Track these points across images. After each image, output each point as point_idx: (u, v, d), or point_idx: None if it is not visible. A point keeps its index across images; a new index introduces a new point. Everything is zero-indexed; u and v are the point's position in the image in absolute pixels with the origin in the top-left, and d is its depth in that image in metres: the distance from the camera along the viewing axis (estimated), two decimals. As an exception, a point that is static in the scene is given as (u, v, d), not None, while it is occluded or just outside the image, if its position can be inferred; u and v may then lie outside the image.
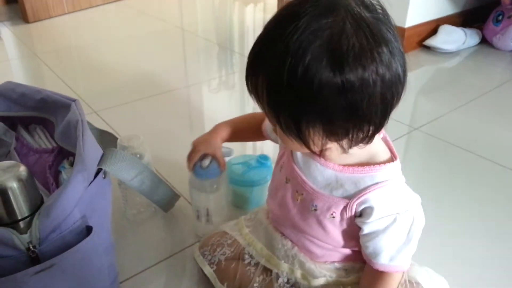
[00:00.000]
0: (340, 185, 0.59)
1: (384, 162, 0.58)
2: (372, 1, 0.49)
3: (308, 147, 0.53)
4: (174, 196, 0.92)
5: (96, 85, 1.64)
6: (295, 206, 0.65)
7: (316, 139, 0.52)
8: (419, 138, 1.27)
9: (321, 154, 0.59)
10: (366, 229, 0.58)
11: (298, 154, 0.64)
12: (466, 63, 1.85)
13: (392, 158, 0.60)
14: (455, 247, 0.87)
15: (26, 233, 0.55)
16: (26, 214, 0.56)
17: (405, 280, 0.64)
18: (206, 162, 0.79)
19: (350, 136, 0.51)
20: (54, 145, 0.80)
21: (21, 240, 0.54)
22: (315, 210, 0.62)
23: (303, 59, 0.46)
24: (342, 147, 0.54)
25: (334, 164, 0.59)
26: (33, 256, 0.55)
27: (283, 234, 0.71)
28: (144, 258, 0.83)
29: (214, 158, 0.80)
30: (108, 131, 0.93)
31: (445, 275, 0.68)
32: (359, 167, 0.58)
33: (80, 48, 2.07)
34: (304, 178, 0.63)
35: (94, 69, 1.79)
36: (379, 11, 0.49)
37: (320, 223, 0.62)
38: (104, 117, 1.35)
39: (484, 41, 1.98)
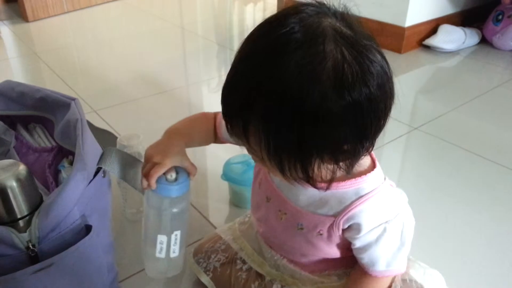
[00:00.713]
0: (324, 203, 0.57)
1: (366, 172, 0.56)
2: (346, 14, 0.47)
3: (315, 185, 0.51)
4: (173, 195, 0.92)
5: (95, 84, 1.64)
6: (279, 225, 0.63)
7: (324, 172, 0.50)
8: (418, 137, 1.27)
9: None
10: (358, 243, 0.57)
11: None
12: (466, 62, 1.85)
13: (373, 165, 0.58)
14: (455, 246, 0.87)
15: (25, 232, 0.55)
16: (26, 213, 0.56)
17: (398, 279, 0.64)
18: (173, 174, 0.62)
19: (358, 156, 0.49)
20: (54, 144, 0.80)
21: (20, 239, 0.54)
22: (301, 228, 0.60)
23: (310, 92, 0.43)
24: (347, 168, 0.51)
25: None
26: (32, 255, 0.55)
27: (271, 247, 0.70)
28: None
29: (184, 166, 0.63)
30: (107, 130, 0.93)
31: (444, 274, 0.68)
32: (341, 182, 0.55)
33: (80, 47, 2.07)
34: (285, 198, 0.60)
35: (93, 68, 1.79)
36: (355, 24, 0.47)
37: (309, 241, 0.60)
38: (103, 116, 1.35)
39: (484, 41, 1.98)
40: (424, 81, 1.70)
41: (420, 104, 1.51)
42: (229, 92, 0.48)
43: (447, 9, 1.96)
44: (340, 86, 0.43)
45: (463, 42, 1.90)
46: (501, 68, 1.79)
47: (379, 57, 0.46)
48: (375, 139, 0.49)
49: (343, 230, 0.57)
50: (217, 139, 0.72)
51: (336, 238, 0.59)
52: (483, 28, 1.98)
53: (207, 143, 0.73)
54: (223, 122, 0.63)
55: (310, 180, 0.50)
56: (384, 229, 0.56)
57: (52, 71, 1.73)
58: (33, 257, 0.55)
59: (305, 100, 0.43)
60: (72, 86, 1.58)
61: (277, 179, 0.62)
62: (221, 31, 2.38)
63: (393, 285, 0.62)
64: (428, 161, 1.18)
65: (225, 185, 0.98)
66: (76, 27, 2.37)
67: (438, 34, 1.88)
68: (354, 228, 0.56)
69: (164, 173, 0.61)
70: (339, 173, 0.52)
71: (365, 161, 0.57)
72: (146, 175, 0.61)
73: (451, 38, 1.88)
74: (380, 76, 0.46)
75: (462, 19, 2.03)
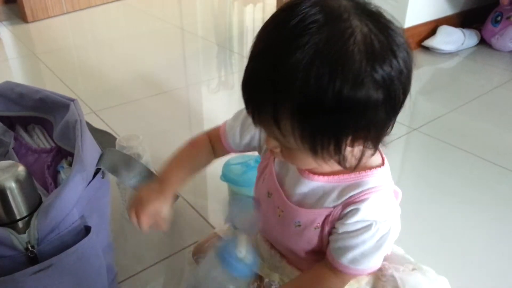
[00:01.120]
0: (325, 195, 0.57)
1: (372, 168, 0.57)
2: None
3: (344, 164, 0.51)
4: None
5: (95, 85, 1.64)
6: (277, 222, 0.63)
7: (356, 151, 0.50)
8: (418, 138, 1.27)
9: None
10: (341, 228, 0.57)
11: (281, 167, 0.63)
12: (465, 63, 1.85)
13: (382, 163, 0.58)
14: (454, 246, 0.87)
15: (24, 233, 0.55)
16: (25, 214, 0.56)
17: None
18: (242, 249, 0.55)
19: (385, 131, 0.49)
20: (53, 145, 0.80)
21: (19, 240, 0.54)
22: (299, 225, 0.60)
23: (345, 69, 0.43)
24: (375, 144, 0.51)
25: (319, 176, 0.58)
26: (31, 256, 0.55)
27: (272, 246, 0.70)
28: (142, 258, 0.83)
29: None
30: (106, 131, 0.93)
31: (443, 274, 0.68)
32: (344, 175, 0.56)
33: (79, 48, 2.07)
34: (284, 195, 0.61)
35: (93, 69, 1.79)
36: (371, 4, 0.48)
37: (305, 236, 0.60)
38: (103, 117, 1.35)
39: (483, 42, 1.98)
40: (423, 82, 1.70)
41: (419, 105, 1.51)
42: (256, 81, 0.47)
43: (446, 10, 1.97)
44: (372, 58, 0.44)
45: (462, 43, 1.91)
46: (500, 69, 1.79)
47: (400, 30, 0.47)
48: (397, 115, 0.49)
49: (338, 219, 0.57)
50: (218, 154, 0.72)
51: (328, 227, 0.59)
52: (482, 29, 1.98)
53: (205, 166, 0.72)
54: (228, 131, 0.64)
55: (341, 159, 0.50)
56: (369, 226, 0.55)
57: (51, 72, 1.73)
58: (32, 258, 0.55)
59: (340, 77, 0.43)
60: (71, 87, 1.58)
61: (282, 174, 0.62)
62: (221, 32, 2.38)
63: None
64: (428, 162, 1.18)
65: (224, 186, 0.98)
66: (76, 28, 2.37)
67: (437, 35, 1.89)
68: (349, 214, 0.56)
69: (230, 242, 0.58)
70: (367, 153, 0.52)
71: (375, 157, 0.58)
72: (134, 218, 0.60)
73: (450, 39, 1.88)
74: (405, 48, 0.46)
75: (461, 20, 2.03)
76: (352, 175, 0.56)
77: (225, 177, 0.94)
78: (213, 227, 0.91)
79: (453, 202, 1.00)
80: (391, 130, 0.50)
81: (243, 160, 0.95)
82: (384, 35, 0.45)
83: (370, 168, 0.57)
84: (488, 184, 1.07)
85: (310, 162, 0.52)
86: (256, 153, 0.91)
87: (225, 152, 0.71)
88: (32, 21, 2.33)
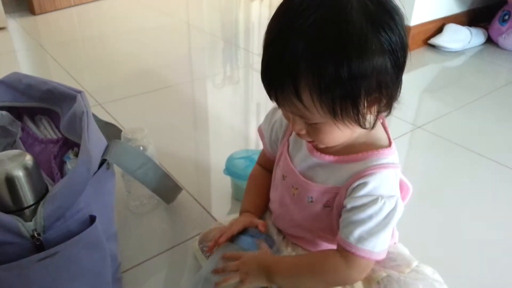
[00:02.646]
0: (335, 173, 0.60)
1: (379, 148, 0.59)
2: None
3: (364, 124, 0.54)
4: (176, 189, 0.93)
5: (101, 77, 1.65)
6: (292, 201, 0.66)
7: (373, 110, 0.54)
8: (422, 136, 1.27)
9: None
10: (349, 204, 0.58)
11: (293, 150, 0.66)
12: (471, 62, 1.84)
13: (389, 144, 0.61)
14: (455, 244, 0.87)
15: (31, 221, 0.56)
16: (32, 202, 0.57)
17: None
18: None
19: (396, 90, 0.54)
20: (60, 135, 0.82)
21: (26, 227, 0.55)
22: (311, 202, 0.63)
23: (349, 30, 0.47)
24: (389, 105, 0.55)
25: (329, 156, 0.61)
26: (37, 243, 0.56)
27: (279, 231, 0.72)
28: (146, 249, 0.84)
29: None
30: (112, 123, 0.94)
31: (446, 272, 0.68)
32: (353, 154, 0.59)
33: (86, 40, 2.08)
34: (297, 172, 0.64)
35: (99, 62, 1.80)
36: None
37: (316, 214, 0.63)
38: (109, 110, 1.36)
39: (490, 41, 1.97)
40: (429, 80, 1.70)
41: (424, 103, 1.51)
42: (274, 66, 0.52)
43: (453, 9, 1.96)
44: (373, 22, 0.49)
45: (469, 42, 1.90)
46: (507, 69, 1.78)
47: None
48: (402, 74, 0.54)
49: (345, 198, 0.59)
50: (270, 164, 0.76)
51: (339, 208, 0.61)
52: (489, 28, 1.97)
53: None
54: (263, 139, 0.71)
55: (360, 119, 0.53)
56: (375, 200, 0.56)
57: (58, 64, 1.75)
58: (38, 245, 0.56)
59: (346, 37, 0.47)
60: (78, 79, 1.59)
61: (295, 156, 0.66)
62: (227, 27, 2.38)
63: None
64: (431, 160, 1.18)
65: (227, 180, 0.99)
66: (83, 21, 2.38)
67: (443, 33, 1.88)
68: (357, 188, 0.57)
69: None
70: (383, 113, 0.57)
71: (382, 139, 0.61)
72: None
73: (457, 37, 1.88)
74: (399, 12, 0.52)
75: (468, 18, 2.03)
76: (360, 155, 0.59)
77: (228, 171, 0.94)
78: (215, 220, 0.92)
79: (455, 200, 1.00)
80: (399, 93, 0.55)
81: (246, 155, 0.96)
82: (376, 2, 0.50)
83: (377, 148, 0.59)
84: (491, 183, 1.07)
85: (335, 133, 0.55)
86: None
87: (272, 160, 0.76)
88: (40, 14, 2.35)
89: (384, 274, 0.63)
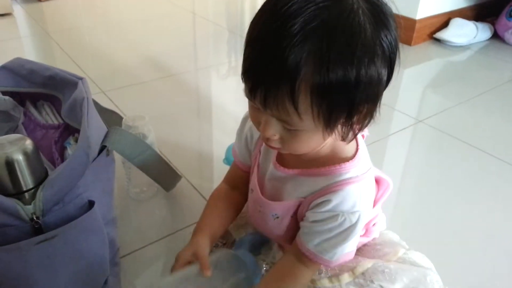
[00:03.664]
0: (297, 187, 0.60)
1: (344, 160, 0.58)
2: None
3: (345, 136, 0.52)
4: (176, 177, 0.94)
5: (105, 65, 1.66)
6: (259, 216, 0.67)
7: (362, 122, 0.52)
8: (423, 130, 1.27)
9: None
10: (311, 217, 0.59)
11: (263, 163, 0.66)
12: (476, 57, 1.83)
13: (354, 154, 0.59)
14: (454, 238, 0.88)
15: (30, 204, 0.56)
16: (31, 186, 0.58)
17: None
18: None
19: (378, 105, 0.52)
20: (61, 121, 0.82)
21: (25, 210, 0.56)
22: (277, 217, 0.64)
23: (357, 35, 0.45)
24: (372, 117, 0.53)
25: (292, 170, 0.61)
26: (36, 226, 0.57)
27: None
28: (144, 235, 0.85)
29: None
30: (113, 110, 0.95)
31: (445, 267, 0.68)
32: (316, 168, 0.58)
33: (91, 28, 2.08)
34: (259, 192, 0.65)
35: (103, 49, 1.81)
36: None
37: (284, 226, 0.64)
38: (111, 97, 1.37)
39: (496, 36, 1.95)
40: (433, 74, 1.69)
41: (427, 97, 1.50)
42: (269, 59, 0.46)
43: (460, 3, 1.94)
44: (377, 27, 0.46)
45: (475, 37, 1.89)
46: (512, 64, 1.77)
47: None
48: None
49: (308, 210, 0.60)
50: (238, 180, 0.74)
51: (301, 217, 0.61)
52: (495, 23, 1.96)
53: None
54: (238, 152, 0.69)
55: (348, 129, 0.51)
56: (335, 217, 0.57)
57: (62, 51, 1.75)
58: (37, 228, 0.57)
59: (356, 40, 0.45)
60: (82, 67, 1.60)
61: (261, 167, 0.65)
62: (232, 17, 2.37)
63: None
64: (431, 154, 1.18)
65: (227, 169, 0.99)
66: (88, 8, 2.38)
67: (449, 27, 1.87)
68: (321, 205, 0.57)
69: None
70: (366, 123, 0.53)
71: (349, 148, 0.59)
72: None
73: (462, 32, 1.87)
74: (393, 15, 0.49)
75: (475, 13, 2.01)
76: (322, 169, 0.58)
77: (227, 160, 0.95)
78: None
79: (454, 195, 1.00)
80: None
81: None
82: (373, 5, 0.47)
83: (340, 162, 0.57)
84: (491, 179, 1.07)
85: (310, 142, 0.53)
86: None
87: (244, 172, 0.74)
88: (45, 0, 2.35)
89: (369, 265, 0.63)
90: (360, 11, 0.45)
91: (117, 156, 0.77)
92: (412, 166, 1.13)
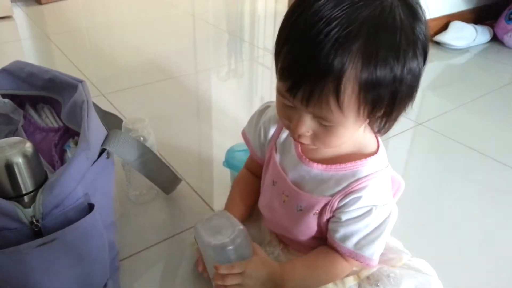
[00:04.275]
0: (323, 183, 0.60)
1: (367, 155, 0.59)
2: None
3: (381, 129, 0.55)
4: (176, 180, 0.94)
5: (105, 68, 1.66)
6: (281, 207, 0.66)
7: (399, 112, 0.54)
8: (423, 133, 1.27)
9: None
10: (344, 217, 0.59)
11: (281, 157, 0.66)
12: (475, 60, 1.84)
13: (376, 150, 0.60)
14: (453, 240, 0.88)
15: (30, 207, 0.56)
16: (31, 189, 0.58)
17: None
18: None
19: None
20: (61, 124, 0.82)
21: (25, 213, 0.56)
22: (301, 210, 0.63)
23: (399, 28, 0.47)
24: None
25: (317, 164, 0.60)
26: (36, 229, 0.57)
27: (275, 234, 0.73)
28: (144, 238, 0.85)
29: None
30: (113, 113, 0.95)
31: (444, 269, 0.68)
32: (341, 164, 0.59)
33: (91, 30, 2.09)
34: (288, 180, 0.64)
35: (103, 52, 1.81)
36: None
37: (305, 222, 0.63)
38: (111, 100, 1.37)
39: (495, 39, 1.96)
40: (433, 77, 1.69)
41: (426, 100, 1.50)
42: (310, 61, 0.46)
43: (459, 6, 1.95)
44: (414, 23, 0.48)
45: (474, 40, 1.89)
46: (511, 67, 1.77)
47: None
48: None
49: (336, 209, 0.60)
50: (258, 169, 0.75)
51: (326, 217, 0.62)
52: (495, 26, 1.96)
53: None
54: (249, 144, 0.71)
55: (384, 122, 0.53)
56: (370, 211, 0.58)
57: (62, 54, 1.75)
58: (37, 232, 0.57)
59: (400, 36, 0.46)
60: (82, 69, 1.60)
61: (284, 162, 0.65)
62: (232, 20, 2.38)
63: None
64: (431, 156, 1.18)
65: (227, 172, 0.99)
66: (88, 10, 2.38)
67: (448, 30, 1.87)
68: (351, 202, 0.58)
69: None
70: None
71: (371, 143, 0.60)
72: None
73: (462, 35, 1.87)
74: (424, 15, 0.52)
75: (474, 16, 2.01)
76: (348, 164, 0.58)
77: (227, 163, 0.95)
78: (214, 212, 0.93)
79: (453, 198, 1.00)
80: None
81: (246, 148, 0.96)
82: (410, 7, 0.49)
83: (365, 156, 0.58)
84: (490, 181, 1.07)
85: (344, 135, 0.54)
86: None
87: (260, 164, 0.74)
88: (46, 3, 2.35)
89: (374, 269, 0.63)
90: (398, 6, 0.47)
91: (116, 159, 0.77)
92: (412, 169, 1.13)
